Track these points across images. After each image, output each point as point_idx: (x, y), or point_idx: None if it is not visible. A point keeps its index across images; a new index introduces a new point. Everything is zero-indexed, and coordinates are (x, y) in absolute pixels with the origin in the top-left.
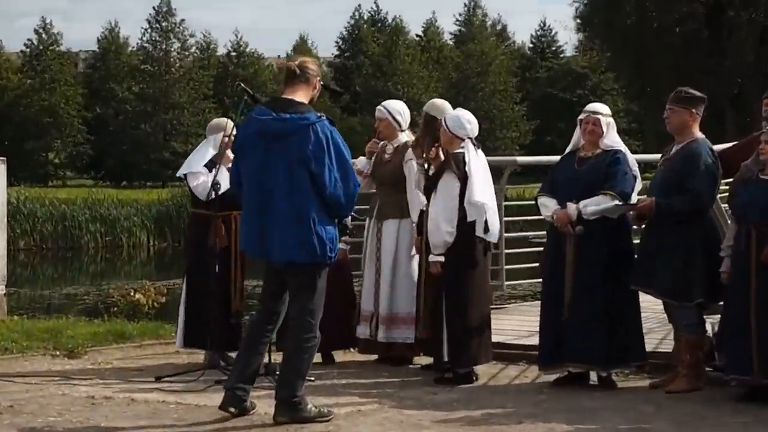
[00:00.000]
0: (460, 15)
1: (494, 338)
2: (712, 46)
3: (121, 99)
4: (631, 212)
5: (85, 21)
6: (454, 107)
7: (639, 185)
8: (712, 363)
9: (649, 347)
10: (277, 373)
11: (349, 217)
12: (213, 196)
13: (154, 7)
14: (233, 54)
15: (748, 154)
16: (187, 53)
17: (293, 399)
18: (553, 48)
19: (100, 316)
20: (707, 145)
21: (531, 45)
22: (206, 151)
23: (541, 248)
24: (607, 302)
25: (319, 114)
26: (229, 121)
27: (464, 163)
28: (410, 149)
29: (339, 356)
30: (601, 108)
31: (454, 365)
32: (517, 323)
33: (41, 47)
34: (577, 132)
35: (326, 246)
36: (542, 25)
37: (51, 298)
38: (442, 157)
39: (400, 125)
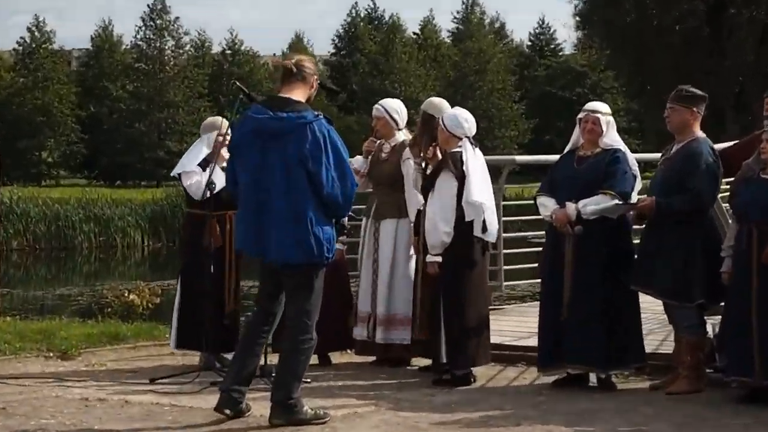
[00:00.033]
0: (457, 12)
1: (493, 339)
2: (712, 44)
3: (115, 97)
4: (631, 212)
5: (78, 19)
6: (452, 106)
7: (639, 185)
8: (713, 364)
9: (649, 348)
10: (273, 374)
11: (346, 217)
12: (208, 195)
13: (148, 5)
14: (228, 52)
15: (749, 153)
16: (181, 51)
17: (289, 401)
18: (552, 46)
19: (94, 317)
20: (708, 144)
21: (529, 43)
22: (200, 150)
23: (540, 248)
24: (606, 302)
25: (316, 113)
26: (224, 119)
27: (462, 162)
28: (408, 148)
29: (335, 358)
30: (601, 107)
31: (452, 367)
32: (515, 324)
33: (34, 45)
34: (577, 131)
35: (323, 246)
36: (541, 22)
37: (44, 298)
38: (440, 156)
39: (397, 124)
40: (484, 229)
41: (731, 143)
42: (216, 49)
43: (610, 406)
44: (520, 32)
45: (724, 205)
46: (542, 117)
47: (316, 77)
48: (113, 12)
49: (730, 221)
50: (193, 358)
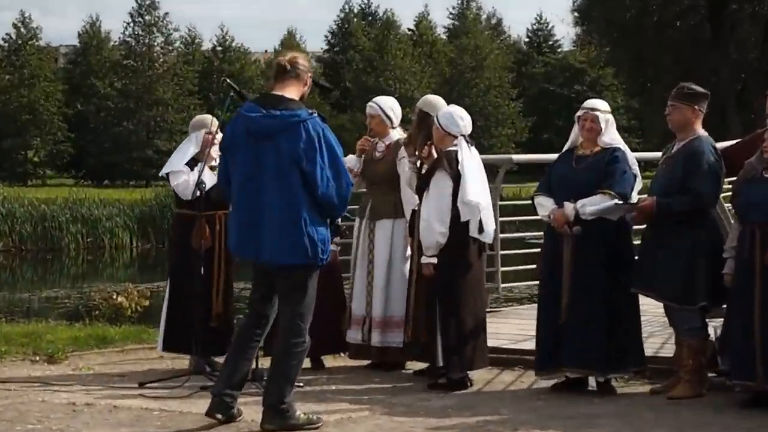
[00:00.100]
0: (453, 8)
1: (490, 342)
2: (714, 41)
3: (102, 95)
4: (631, 212)
5: (65, 15)
6: (448, 103)
7: (639, 184)
8: (716, 369)
9: (649, 352)
10: (265, 378)
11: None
12: (197, 194)
13: (136, 1)
14: (219, 48)
15: (752, 152)
16: (171, 48)
17: (281, 405)
18: (550, 42)
19: (82, 320)
20: (710, 143)
21: (527, 39)
22: (188, 149)
23: (538, 249)
24: (605, 303)
25: (310, 111)
26: (213, 117)
27: (457, 161)
28: (403, 147)
29: (329, 361)
30: (600, 104)
31: (448, 371)
32: (513, 327)
33: (20, 42)
34: (575, 129)
35: (318, 247)
36: (538, 18)
37: (30, 301)
38: (435, 155)
39: (391, 122)
40: (481, 229)
41: (733, 142)
42: (206, 45)
43: (610, 410)
44: (517, 28)
45: (726, 205)
46: (540, 115)
47: (310, 75)
48: (101, 8)
49: (732, 222)
50: (183, 361)
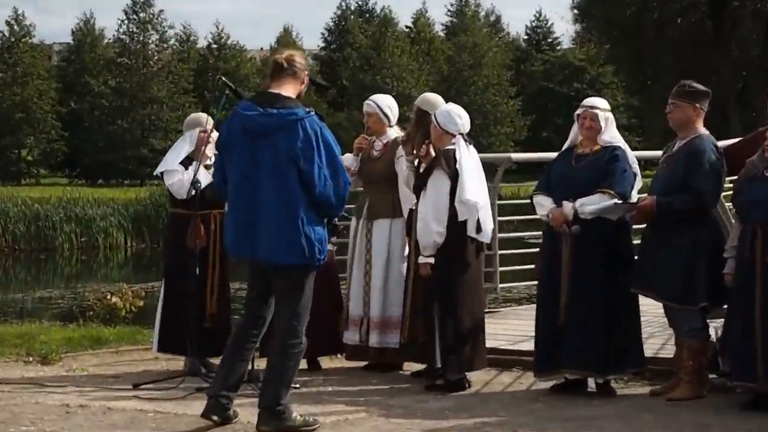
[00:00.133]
0: (451, 5)
1: (488, 343)
2: (715, 38)
3: (96, 93)
4: (631, 212)
5: (59, 12)
6: (446, 102)
7: (639, 183)
8: (716, 370)
9: (649, 352)
10: (261, 379)
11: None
12: (192, 194)
13: None
14: (214, 46)
15: (754, 151)
16: (165, 45)
17: (277, 407)
18: (549, 40)
19: (75, 320)
20: (711, 142)
21: (526, 37)
22: (183, 147)
23: (537, 249)
24: (604, 303)
25: (307, 109)
26: (207, 116)
27: (455, 160)
28: (401, 145)
29: (325, 362)
30: (600, 102)
31: (446, 372)
32: (511, 328)
33: (13, 39)
34: (575, 128)
35: (315, 247)
36: (538, 15)
37: (24, 301)
38: (433, 154)
39: (389, 120)
40: (479, 229)
41: (734, 140)
42: (201, 43)
43: (610, 412)
44: (516, 26)
45: (727, 204)
46: (539, 113)
47: (307, 73)
48: (95, 5)
49: (733, 221)
50: (178, 362)
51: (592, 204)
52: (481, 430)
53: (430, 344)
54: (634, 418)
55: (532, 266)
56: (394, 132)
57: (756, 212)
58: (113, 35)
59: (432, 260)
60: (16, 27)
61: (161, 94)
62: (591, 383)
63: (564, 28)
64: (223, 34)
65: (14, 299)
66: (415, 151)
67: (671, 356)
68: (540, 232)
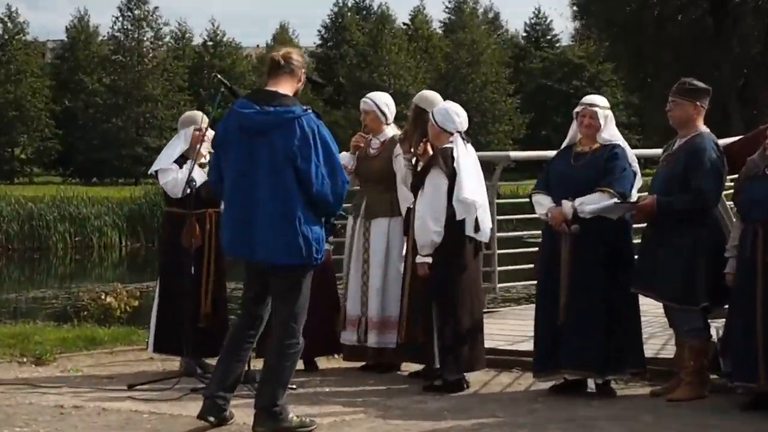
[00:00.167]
0: (449, 2)
1: (486, 344)
2: (716, 35)
3: (91, 91)
4: (631, 211)
5: (52, 9)
6: (444, 99)
7: (639, 182)
8: (717, 370)
9: (650, 353)
10: (257, 380)
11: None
12: (188, 192)
13: None
14: (209, 43)
15: (755, 149)
16: (160, 43)
17: (274, 408)
18: (548, 37)
19: (70, 320)
20: (712, 140)
21: (525, 34)
22: (177, 146)
23: (536, 248)
24: (604, 302)
25: (304, 107)
26: (202, 114)
27: (452, 158)
28: (398, 144)
29: (322, 363)
30: (599, 100)
31: (444, 372)
32: (510, 328)
33: (6, 37)
34: (574, 126)
35: (312, 247)
36: (536, 12)
37: (17, 301)
38: (431, 152)
39: (386, 118)
40: (477, 228)
41: (735, 138)
42: (197, 40)
43: (609, 413)
44: (514, 23)
45: (728, 203)
46: (538, 111)
47: (304, 70)
48: (89, 2)
49: (734, 220)
50: (173, 363)
51: (591, 203)
52: (479, 431)
53: (428, 345)
54: (634, 419)
55: (531, 266)
56: (391, 130)
57: (757, 211)
58: (107, 32)
59: (430, 260)
60: (9, 24)
61: (156, 91)
62: (591, 384)
63: (563, 25)
64: (218, 32)
65: (8, 299)
66: (412, 150)
67: (672, 357)
68: (539, 231)
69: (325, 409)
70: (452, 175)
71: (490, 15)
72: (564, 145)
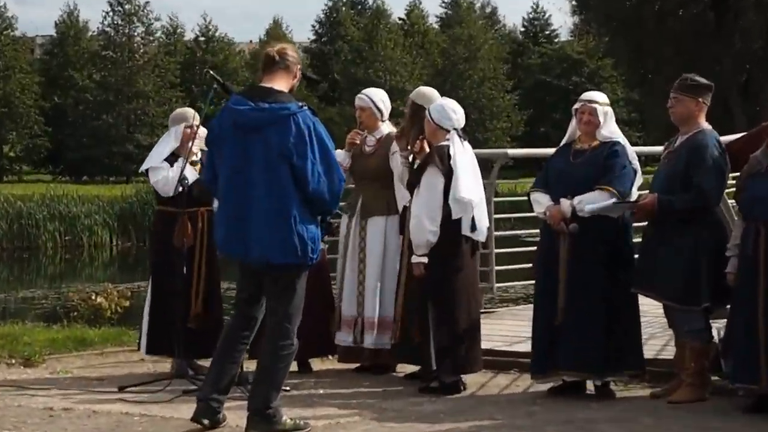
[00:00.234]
0: None
1: (484, 345)
2: (717, 30)
3: (80, 87)
4: (631, 210)
5: (41, 4)
6: (441, 96)
7: (640, 180)
8: (719, 372)
9: (650, 354)
10: (250, 382)
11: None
12: (180, 190)
13: None
14: (201, 39)
15: (757, 146)
16: (151, 38)
17: (267, 410)
18: (547, 32)
19: (59, 321)
20: (714, 137)
21: (523, 29)
22: (167, 144)
23: (534, 247)
24: (604, 302)
25: (300, 103)
26: (194, 111)
27: (449, 156)
28: (395, 141)
29: (316, 364)
30: (598, 96)
31: (441, 374)
32: (508, 328)
33: None
34: (573, 123)
35: (308, 246)
36: (535, 7)
37: (6, 302)
38: (428, 149)
39: (382, 114)
40: (473, 227)
41: (738, 135)
42: (188, 35)
43: (609, 415)
44: (512, 18)
45: (730, 201)
46: (536, 108)
47: (299, 66)
48: None
49: (736, 218)
50: (165, 364)
51: (590, 202)
52: None
53: (424, 346)
54: (634, 421)
55: (530, 265)
56: (387, 127)
57: (759, 209)
58: (98, 28)
59: (425, 259)
60: None
61: (147, 88)
62: (589, 385)
63: (562, 20)
64: (210, 27)
65: None
66: (409, 147)
67: (672, 358)
68: (537, 230)
69: (320, 411)
70: (448, 174)
71: (488, 10)
72: (563, 142)
